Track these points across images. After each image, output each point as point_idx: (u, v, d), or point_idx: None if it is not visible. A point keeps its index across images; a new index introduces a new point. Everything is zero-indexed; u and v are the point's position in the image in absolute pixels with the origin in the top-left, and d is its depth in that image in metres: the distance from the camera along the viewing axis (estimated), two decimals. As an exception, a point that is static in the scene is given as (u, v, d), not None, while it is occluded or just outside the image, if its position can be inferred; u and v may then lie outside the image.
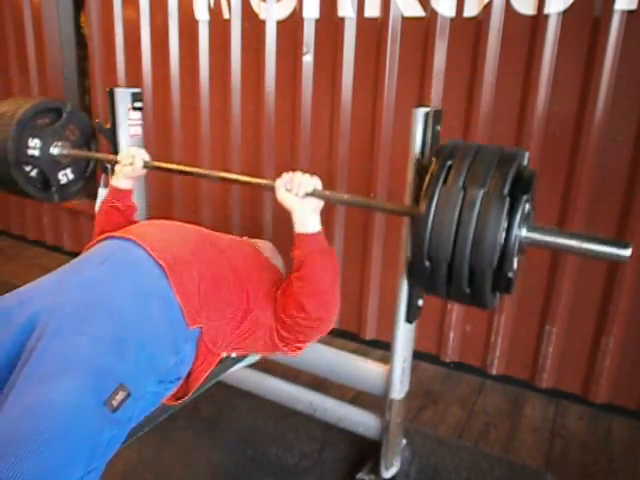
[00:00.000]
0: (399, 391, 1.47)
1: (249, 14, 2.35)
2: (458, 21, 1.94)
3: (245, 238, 1.57)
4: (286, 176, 1.21)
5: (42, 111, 1.72)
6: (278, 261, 1.48)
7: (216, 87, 2.53)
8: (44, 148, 1.73)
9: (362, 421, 1.59)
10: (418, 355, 1.93)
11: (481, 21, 1.89)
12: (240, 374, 1.72)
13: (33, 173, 1.75)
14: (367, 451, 1.65)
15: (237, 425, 1.85)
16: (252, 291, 1.23)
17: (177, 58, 2.61)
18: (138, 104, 1.83)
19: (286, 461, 1.69)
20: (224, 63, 2.46)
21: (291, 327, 1.21)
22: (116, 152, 1.83)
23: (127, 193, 1.50)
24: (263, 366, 1.70)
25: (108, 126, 1.82)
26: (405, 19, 2.03)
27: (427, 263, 1.00)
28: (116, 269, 1.07)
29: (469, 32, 1.92)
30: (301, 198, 1.18)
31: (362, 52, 2.14)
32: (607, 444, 1.84)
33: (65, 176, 1.84)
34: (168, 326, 1.05)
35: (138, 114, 1.84)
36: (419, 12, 2.00)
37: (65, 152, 1.76)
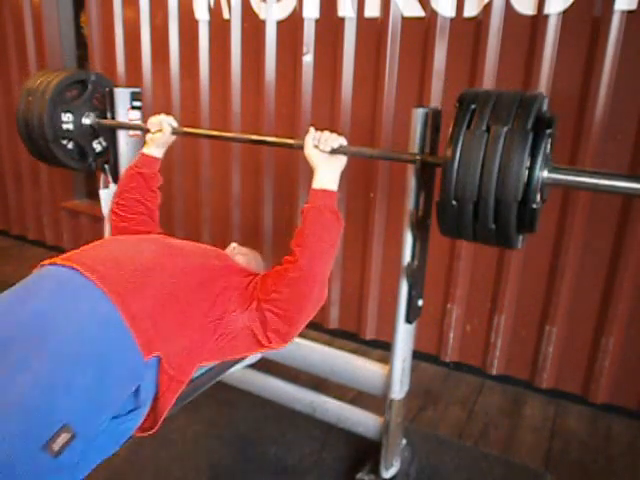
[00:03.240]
0: (399, 391, 1.47)
1: (249, 14, 2.35)
2: (458, 21, 1.94)
3: (233, 245, 1.49)
4: (315, 133, 1.26)
5: (69, 84, 1.77)
6: (260, 271, 1.37)
7: (216, 87, 2.53)
8: (76, 121, 1.79)
9: (362, 421, 1.59)
10: (418, 355, 1.93)
11: (481, 21, 1.89)
12: (240, 374, 1.72)
13: (70, 145, 1.82)
14: (367, 451, 1.65)
15: (237, 425, 1.85)
16: (220, 299, 1.14)
17: (177, 58, 2.61)
18: (137, 103, 1.83)
19: (286, 461, 1.69)
20: (224, 63, 2.46)
21: (275, 313, 1.13)
22: (116, 153, 1.83)
23: (156, 161, 1.50)
24: (263, 366, 1.70)
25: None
26: (405, 19, 2.03)
27: (454, 203, 1.04)
28: (65, 301, 0.98)
29: (469, 32, 1.92)
30: (327, 155, 1.22)
31: (362, 52, 2.14)
32: (607, 444, 1.84)
33: (99, 144, 1.89)
34: (120, 359, 0.96)
35: (137, 113, 1.84)
36: (419, 12, 2.00)
37: (97, 121, 1.82)
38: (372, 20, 2.09)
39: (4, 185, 3.60)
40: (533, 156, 0.99)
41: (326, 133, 1.25)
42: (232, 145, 2.53)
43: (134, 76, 2.77)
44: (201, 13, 2.47)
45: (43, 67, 3.14)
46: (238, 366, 1.44)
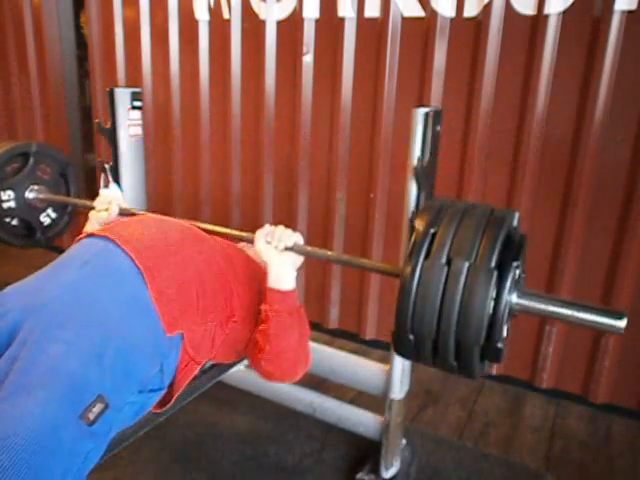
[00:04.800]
0: (399, 391, 1.47)
1: (249, 14, 2.35)
2: (458, 21, 1.94)
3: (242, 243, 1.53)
4: (267, 228, 1.20)
5: (8, 159, 1.67)
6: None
7: (216, 87, 2.53)
8: (19, 197, 1.69)
9: (362, 421, 1.59)
10: (418, 355, 1.93)
11: (481, 21, 1.89)
12: (240, 374, 1.72)
13: (14, 222, 1.72)
14: (367, 451, 1.65)
15: (237, 425, 1.85)
16: (237, 297, 1.19)
17: (177, 58, 2.61)
18: (137, 103, 1.83)
19: (286, 461, 1.69)
20: (224, 63, 2.46)
21: (264, 368, 1.21)
22: (116, 152, 1.83)
23: None
24: (263, 366, 1.70)
25: (108, 126, 1.82)
26: (405, 19, 2.03)
27: (411, 337, 0.95)
28: (97, 273, 1.03)
29: (469, 32, 1.92)
30: (280, 252, 1.16)
31: (362, 52, 2.14)
32: (607, 444, 1.84)
33: (47, 217, 1.79)
34: (148, 334, 1.00)
35: (138, 114, 1.83)
36: (419, 12, 2.00)
37: (41, 196, 1.73)
38: (372, 20, 2.09)
39: (4, 185, 3.60)
40: (499, 290, 0.89)
41: (280, 229, 1.19)
42: (232, 145, 2.53)
43: (134, 76, 2.77)
44: (201, 13, 2.47)
45: (43, 67, 3.14)
46: (238, 366, 1.44)
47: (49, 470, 0.77)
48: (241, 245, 1.49)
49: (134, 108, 1.82)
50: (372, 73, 2.13)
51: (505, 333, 0.97)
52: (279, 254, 1.17)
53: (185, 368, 1.09)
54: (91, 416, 0.83)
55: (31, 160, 1.72)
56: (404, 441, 1.62)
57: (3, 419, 0.78)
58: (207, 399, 1.82)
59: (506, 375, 2.17)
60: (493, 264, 0.88)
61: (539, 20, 1.79)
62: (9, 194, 1.66)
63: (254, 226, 2.61)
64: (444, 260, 0.90)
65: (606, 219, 1.84)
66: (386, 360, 1.49)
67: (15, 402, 0.79)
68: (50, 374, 0.83)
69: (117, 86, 1.85)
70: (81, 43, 3.20)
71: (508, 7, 1.84)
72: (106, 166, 1.82)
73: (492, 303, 0.89)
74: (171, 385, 1.10)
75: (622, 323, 0.91)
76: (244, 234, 1.27)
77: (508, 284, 0.90)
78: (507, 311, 0.93)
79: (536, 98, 1.84)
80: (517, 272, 0.94)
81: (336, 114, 2.22)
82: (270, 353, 1.15)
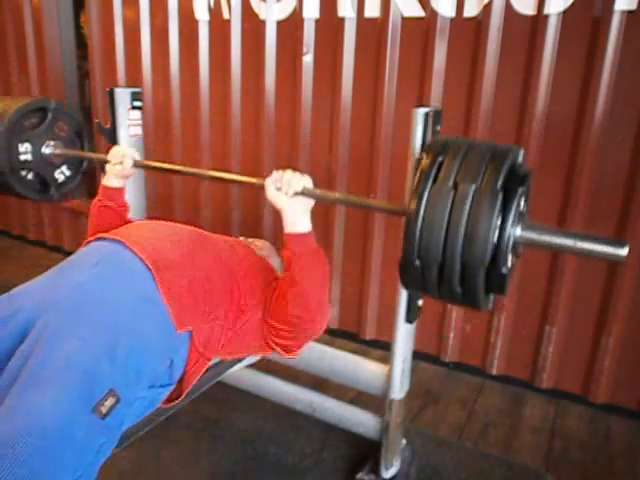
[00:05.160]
0: (399, 391, 1.47)
1: (249, 14, 2.35)
2: (458, 21, 1.94)
3: (242, 238, 1.56)
4: (276, 174, 1.19)
5: (27, 113, 1.69)
6: (275, 260, 1.46)
7: (216, 87, 2.53)
8: (36, 150, 1.71)
9: (362, 421, 1.59)
10: (418, 355, 1.93)
11: (481, 21, 1.89)
12: (240, 374, 1.72)
13: (30, 176, 1.74)
14: (367, 451, 1.65)
15: (237, 425, 1.85)
16: (245, 293, 1.21)
17: (177, 58, 2.61)
18: (138, 103, 1.83)
19: (286, 461, 1.69)
20: (224, 63, 2.46)
21: (279, 335, 1.21)
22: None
23: (118, 192, 1.47)
24: (263, 366, 1.70)
25: (108, 126, 1.82)
26: (405, 19, 2.03)
27: (417, 263, 0.97)
28: (107, 272, 1.06)
29: (469, 32, 1.92)
30: (291, 197, 1.16)
31: (362, 52, 2.14)
32: (607, 444, 1.84)
33: (62, 174, 1.82)
34: (158, 331, 1.03)
35: (138, 114, 1.83)
36: (419, 12, 2.00)
37: (57, 152, 1.75)
38: (372, 20, 2.09)
39: (4, 185, 3.60)
40: (504, 215, 0.92)
41: (288, 173, 1.18)
42: (232, 145, 2.53)
43: (134, 76, 2.77)
44: (201, 13, 2.47)
45: (43, 67, 3.15)
46: (238, 366, 1.44)
47: (63, 463, 0.78)
48: (250, 241, 1.51)
49: (134, 108, 1.82)
50: (372, 73, 2.13)
51: (510, 264, 0.98)
52: (290, 200, 1.17)
53: (195, 364, 1.11)
54: (103, 410, 0.85)
55: (49, 116, 1.74)
56: (404, 441, 1.62)
57: (18, 412, 0.79)
58: (207, 399, 1.82)
59: (506, 375, 2.17)
60: (499, 186, 0.90)
61: (539, 20, 1.79)
62: (26, 147, 1.69)
63: (254, 228, 2.63)
64: (451, 184, 0.93)
65: (606, 220, 1.84)
66: (386, 360, 1.49)
67: (29, 396, 0.81)
68: (63, 369, 0.85)
69: (117, 86, 1.85)
70: (81, 43, 3.20)
71: (508, 7, 1.84)
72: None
73: (498, 226, 0.92)
74: (180, 381, 1.12)
75: (623, 251, 0.92)
76: (253, 180, 1.27)
77: (513, 209, 0.92)
78: (512, 238, 0.95)
79: (536, 98, 1.84)
80: (522, 201, 0.96)
81: (336, 114, 2.23)
82: (297, 296, 1.16)
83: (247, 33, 2.39)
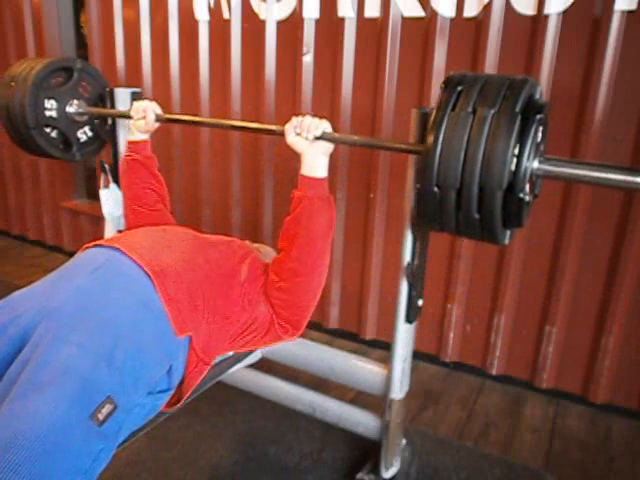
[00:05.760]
0: (399, 391, 1.47)
1: (249, 14, 2.35)
2: (458, 21, 1.94)
3: (247, 243, 1.55)
4: (295, 120, 1.21)
5: (54, 71, 1.73)
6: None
7: (216, 87, 2.53)
8: (60, 108, 1.75)
9: (362, 421, 1.59)
10: (418, 355, 1.93)
11: (481, 21, 1.89)
12: (240, 374, 1.72)
13: (53, 134, 1.78)
14: (367, 451, 1.65)
15: (237, 425, 1.85)
16: (244, 293, 1.21)
17: (177, 58, 2.61)
18: (138, 103, 1.83)
19: (286, 461, 1.69)
20: (224, 63, 2.46)
21: (280, 297, 1.21)
22: (116, 153, 1.83)
23: (144, 144, 1.51)
24: (263, 366, 1.70)
25: (108, 127, 1.82)
26: (405, 19, 2.03)
27: (436, 189, 0.97)
28: (106, 278, 1.05)
29: (469, 32, 1.92)
30: (311, 142, 1.19)
31: (362, 52, 2.14)
32: (607, 444, 1.84)
33: (84, 134, 1.85)
34: (157, 336, 1.03)
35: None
36: (419, 12, 2.00)
37: (81, 110, 1.78)
38: (372, 20, 2.09)
39: (4, 185, 3.60)
40: (522, 143, 0.93)
41: (307, 118, 1.19)
42: (233, 145, 2.53)
43: (134, 76, 2.77)
44: (201, 13, 2.47)
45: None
46: (238, 366, 1.44)
47: (59, 470, 0.77)
48: (253, 245, 1.51)
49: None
50: (372, 73, 2.13)
51: (528, 195, 0.98)
52: (310, 144, 1.19)
53: (195, 369, 1.11)
54: (100, 416, 0.84)
55: (75, 75, 1.78)
56: (404, 441, 1.62)
57: (15, 418, 0.78)
58: (207, 399, 1.82)
59: (506, 375, 2.17)
60: (518, 109, 0.91)
61: (539, 20, 1.79)
62: (52, 103, 1.72)
63: (254, 228, 2.63)
64: (470, 110, 0.94)
65: (606, 220, 1.84)
66: (386, 360, 1.49)
67: (26, 401, 0.80)
68: (61, 375, 0.84)
69: (117, 86, 1.85)
70: (81, 43, 3.21)
71: (508, 7, 1.84)
72: (106, 166, 1.82)
73: (516, 153, 0.92)
74: (180, 385, 1.12)
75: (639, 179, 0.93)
76: (273, 127, 1.28)
77: (531, 135, 0.93)
78: (530, 167, 0.95)
79: (536, 98, 1.84)
80: (539, 131, 0.98)
81: (336, 114, 2.22)
82: (303, 236, 1.17)
83: (247, 33, 2.39)
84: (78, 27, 3.23)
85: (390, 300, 2.30)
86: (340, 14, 2.13)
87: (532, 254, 1.99)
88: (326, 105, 2.25)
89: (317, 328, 2.50)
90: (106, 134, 1.84)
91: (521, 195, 0.94)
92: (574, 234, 1.89)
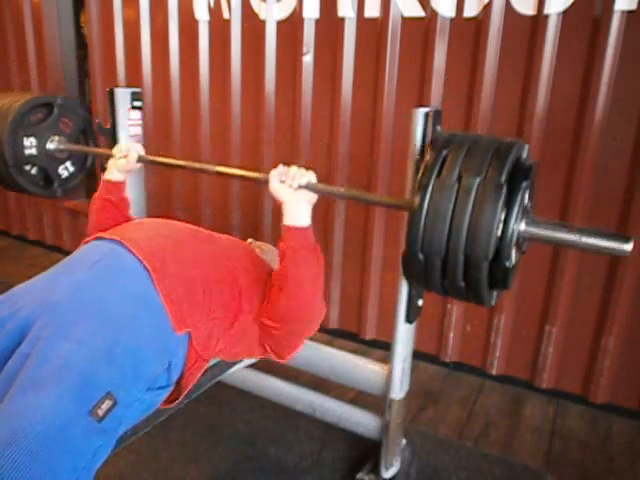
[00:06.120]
0: (399, 391, 1.47)
1: (249, 14, 2.35)
2: (458, 21, 1.94)
3: (250, 240, 1.55)
4: (281, 168, 1.20)
5: (34, 107, 1.70)
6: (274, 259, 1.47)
7: (216, 87, 2.53)
8: (40, 145, 1.72)
9: (362, 421, 1.59)
10: (418, 355, 1.93)
11: (481, 21, 1.89)
12: (240, 374, 1.72)
13: (33, 171, 1.74)
14: (367, 451, 1.65)
15: (237, 425, 1.85)
16: (244, 294, 1.21)
17: (177, 58, 2.61)
18: (138, 103, 1.83)
19: (286, 461, 1.69)
20: (224, 63, 2.46)
21: (271, 334, 1.21)
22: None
23: (120, 186, 1.47)
24: (263, 366, 1.70)
25: (108, 126, 1.82)
26: (405, 19, 2.03)
27: (421, 256, 0.96)
28: (106, 273, 1.05)
29: (469, 32, 1.92)
30: (295, 190, 1.17)
31: (362, 52, 2.14)
32: (607, 444, 1.84)
33: (66, 170, 1.82)
34: (156, 332, 1.02)
35: (138, 114, 1.84)
36: (419, 12, 2.00)
37: (62, 147, 1.76)
38: (372, 20, 2.09)
39: (4, 185, 3.60)
40: (508, 209, 0.91)
41: (293, 168, 1.19)
42: (232, 145, 2.53)
43: (134, 76, 2.77)
44: (201, 13, 2.47)
45: (43, 67, 3.15)
46: (238, 366, 1.44)
47: (59, 465, 0.78)
48: (250, 242, 1.51)
49: (134, 108, 1.82)
50: (372, 73, 2.13)
51: (514, 259, 0.97)
52: (293, 192, 1.18)
53: (193, 365, 1.11)
54: (100, 412, 0.84)
55: (55, 111, 1.76)
56: (404, 441, 1.62)
57: (15, 414, 0.78)
58: (207, 399, 1.82)
59: (506, 375, 2.17)
60: (503, 179, 0.90)
61: (539, 20, 1.79)
62: (31, 141, 1.70)
63: (254, 229, 2.63)
64: (455, 177, 0.93)
65: (606, 220, 1.84)
66: (386, 360, 1.49)
67: (26, 397, 0.80)
68: (61, 370, 0.84)
69: (117, 86, 1.85)
70: (81, 43, 3.20)
71: (508, 7, 1.84)
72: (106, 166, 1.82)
73: (502, 220, 0.91)
74: (179, 382, 1.11)
75: (628, 246, 0.92)
76: (257, 175, 1.28)
77: (518, 202, 0.91)
78: (516, 232, 0.94)
79: (536, 98, 1.84)
80: (526, 195, 0.96)
81: (336, 114, 2.22)
82: (290, 290, 1.15)
83: (247, 33, 2.39)
84: (78, 27, 3.23)
85: (390, 300, 2.30)
86: (340, 14, 2.13)
87: (532, 254, 1.98)
88: (326, 105, 2.25)
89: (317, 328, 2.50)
90: (106, 134, 1.83)
91: (507, 264, 0.93)
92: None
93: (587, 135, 1.79)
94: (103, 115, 2.58)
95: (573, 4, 1.74)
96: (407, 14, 2.02)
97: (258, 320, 1.21)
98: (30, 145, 1.70)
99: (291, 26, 2.26)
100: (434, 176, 0.94)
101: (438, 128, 1.26)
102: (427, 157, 0.99)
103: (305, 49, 2.24)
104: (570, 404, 2.05)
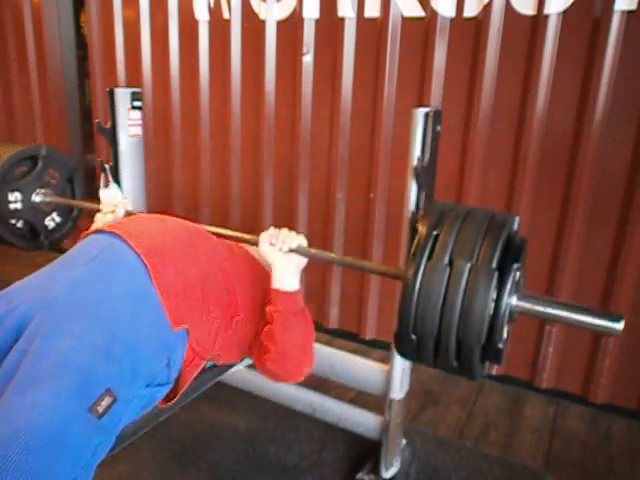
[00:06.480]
0: (399, 391, 1.47)
1: (249, 14, 2.35)
2: (458, 21, 1.94)
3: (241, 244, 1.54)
4: (272, 230, 1.21)
5: (18, 161, 1.68)
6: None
7: (216, 87, 2.53)
8: (25, 199, 1.69)
9: (362, 421, 1.59)
10: (418, 355, 1.93)
11: (481, 21, 1.89)
12: (240, 374, 1.72)
13: (19, 224, 1.72)
14: (367, 451, 1.65)
15: (237, 425, 1.85)
16: (240, 295, 1.20)
17: (177, 58, 2.61)
18: (138, 103, 1.82)
19: (286, 461, 1.69)
20: (224, 63, 2.46)
21: (269, 369, 1.23)
22: (116, 152, 1.83)
23: None
24: (263, 366, 1.70)
25: (108, 126, 1.82)
26: (405, 19, 2.03)
27: (413, 337, 0.97)
28: (104, 268, 1.04)
29: (469, 32, 1.92)
30: (284, 254, 1.17)
31: (362, 52, 2.14)
32: (607, 444, 1.84)
33: (52, 221, 1.80)
34: (154, 329, 1.02)
35: (138, 114, 1.83)
36: (419, 12, 2.00)
37: (47, 200, 1.73)
38: (372, 20, 2.09)
39: (4, 185, 3.60)
40: (499, 290, 0.92)
41: (284, 231, 1.20)
42: (233, 144, 2.53)
43: (134, 76, 2.77)
44: (201, 13, 2.47)
45: (43, 67, 3.14)
46: (238, 366, 1.44)
47: (59, 462, 0.77)
48: (250, 246, 1.50)
49: (134, 108, 1.82)
50: (372, 73, 2.13)
51: (505, 335, 0.99)
52: (283, 256, 1.18)
53: (191, 363, 1.11)
54: (100, 409, 0.84)
55: (40, 163, 1.73)
56: (404, 441, 1.62)
57: (14, 412, 0.78)
58: (207, 399, 1.82)
59: (506, 375, 2.17)
60: (494, 265, 0.90)
61: (539, 20, 1.79)
62: (16, 196, 1.67)
63: (254, 226, 2.63)
64: (446, 261, 0.93)
65: (606, 220, 1.84)
66: (386, 360, 1.49)
67: (25, 395, 0.80)
68: (59, 367, 0.84)
69: (117, 86, 1.84)
70: (81, 43, 3.20)
71: (508, 7, 1.84)
72: (106, 166, 1.81)
73: (493, 304, 0.91)
74: (177, 380, 1.11)
75: (620, 326, 0.93)
76: (248, 236, 1.27)
77: (509, 286, 0.92)
78: (507, 313, 0.95)
79: (536, 98, 1.84)
80: (517, 274, 0.96)
81: (336, 114, 2.22)
82: (276, 353, 1.16)
83: (247, 33, 2.39)
84: (78, 27, 3.23)
85: (390, 300, 2.30)
86: (340, 14, 2.13)
87: (532, 254, 1.98)
88: (326, 105, 2.25)
89: (317, 328, 2.46)
90: (106, 134, 1.82)
91: (499, 345, 0.94)
92: (574, 234, 1.89)
93: (587, 135, 1.79)
94: (103, 115, 2.59)
95: (573, 4, 1.74)
96: (407, 14, 2.02)
97: (257, 338, 1.23)
98: (15, 200, 1.67)
99: (291, 26, 2.26)
100: (425, 258, 0.95)
101: (438, 128, 1.26)
102: (418, 236, 0.98)
103: (305, 49, 2.24)
104: (570, 404, 2.05)
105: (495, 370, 2.16)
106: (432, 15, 1.96)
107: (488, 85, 1.91)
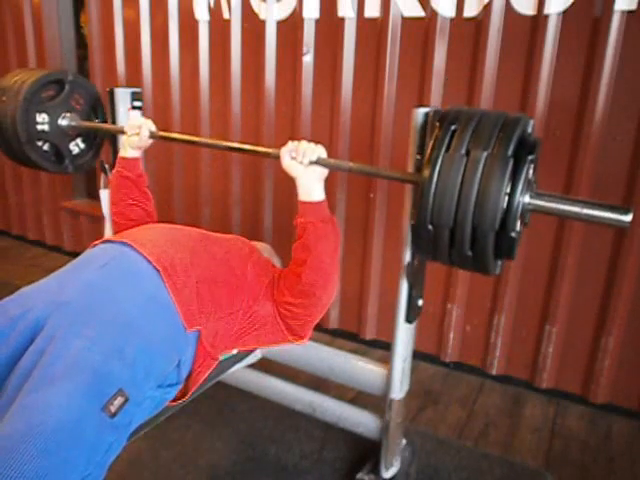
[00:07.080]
0: (399, 391, 1.47)
1: (249, 14, 2.35)
2: (458, 21, 1.94)
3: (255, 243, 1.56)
4: (291, 144, 1.22)
5: (45, 84, 1.71)
6: (276, 262, 1.49)
7: (216, 87, 2.53)
8: (52, 121, 1.73)
9: (362, 421, 1.59)
10: (418, 355, 1.93)
11: (481, 21, 1.89)
12: (240, 374, 1.72)
13: (45, 147, 1.76)
14: (367, 451, 1.65)
15: (237, 425, 1.85)
16: (250, 289, 1.24)
17: (177, 58, 2.61)
18: (138, 103, 1.83)
19: (286, 461, 1.69)
20: (224, 63, 2.46)
21: (292, 311, 1.23)
22: (116, 152, 1.83)
23: (136, 162, 1.49)
24: (263, 366, 1.70)
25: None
26: (405, 19, 2.03)
27: (430, 227, 1.00)
28: (116, 273, 1.07)
29: (469, 32, 1.92)
30: (306, 166, 1.19)
31: (362, 52, 2.14)
32: (607, 444, 1.84)
33: (77, 146, 1.83)
34: (167, 330, 1.05)
35: (138, 114, 1.84)
36: (419, 12, 2.00)
37: (73, 123, 1.77)
38: (372, 20, 2.09)
39: (4, 185, 3.60)
40: (514, 182, 0.95)
41: (303, 143, 1.21)
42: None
43: (134, 76, 2.77)
44: (201, 13, 2.47)
45: (43, 67, 3.14)
46: (238, 366, 1.44)
47: (73, 460, 0.79)
48: (256, 244, 1.52)
49: (134, 108, 1.83)
50: (372, 73, 2.13)
51: (519, 228, 1.02)
52: (305, 169, 1.20)
53: (202, 364, 1.13)
54: (112, 409, 0.86)
55: (66, 87, 1.76)
56: (404, 441, 1.62)
57: (29, 410, 0.80)
58: (207, 399, 1.82)
59: (506, 375, 2.17)
60: (510, 153, 0.94)
61: (539, 20, 1.79)
62: (44, 117, 1.70)
63: (254, 227, 2.63)
64: (464, 151, 0.97)
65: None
66: (386, 360, 1.49)
67: (39, 395, 0.81)
68: (74, 367, 0.86)
69: (117, 86, 1.85)
70: (81, 43, 3.20)
71: (508, 7, 1.84)
72: (106, 166, 1.82)
73: (508, 192, 0.95)
74: (187, 380, 1.14)
75: (628, 217, 0.96)
76: (270, 150, 1.29)
77: (523, 175, 0.96)
78: (521, 203, 0.98)
79: (536, 98, 1.84)
80: (531, 169, 1.00)
81: (336, 114, 2.23)
82: (312, 262, 1.19)
83: (247, 33, 2.39)
84: (78, 27, 3.23)
85: (390, 300, 2.30)
86: (340, 14, 2.13)
87: (532, 254, 1.99)
88: (326, 105, 2.25)
89: (317, 328, 2.47)
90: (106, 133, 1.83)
91: (512, 234, 0.97)
92: (574, 234, 1.89)
93: (587, 135, 1.79)
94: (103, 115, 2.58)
95: (573, 4, 1.74)
96: (407, 14, 2.02)
97: (277, 302, 1.24)
98: (42, 121, 1.71)
99: (291, 26, 2.26)
100: (443, 150, 0.98)
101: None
102: (436, 132, 1.02)
103: (305, 49, 2.24)
104: (570, 404, 2.05)
105: (495, 370, 2.17)
106: (432, 15, 1.96)
107: (488, 85, 1.91)
